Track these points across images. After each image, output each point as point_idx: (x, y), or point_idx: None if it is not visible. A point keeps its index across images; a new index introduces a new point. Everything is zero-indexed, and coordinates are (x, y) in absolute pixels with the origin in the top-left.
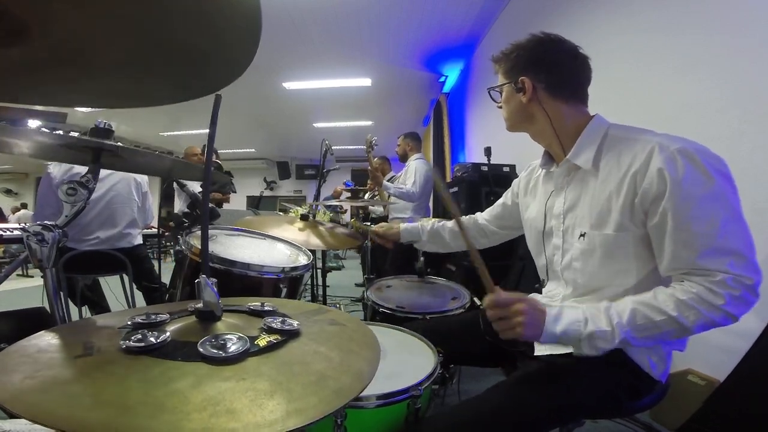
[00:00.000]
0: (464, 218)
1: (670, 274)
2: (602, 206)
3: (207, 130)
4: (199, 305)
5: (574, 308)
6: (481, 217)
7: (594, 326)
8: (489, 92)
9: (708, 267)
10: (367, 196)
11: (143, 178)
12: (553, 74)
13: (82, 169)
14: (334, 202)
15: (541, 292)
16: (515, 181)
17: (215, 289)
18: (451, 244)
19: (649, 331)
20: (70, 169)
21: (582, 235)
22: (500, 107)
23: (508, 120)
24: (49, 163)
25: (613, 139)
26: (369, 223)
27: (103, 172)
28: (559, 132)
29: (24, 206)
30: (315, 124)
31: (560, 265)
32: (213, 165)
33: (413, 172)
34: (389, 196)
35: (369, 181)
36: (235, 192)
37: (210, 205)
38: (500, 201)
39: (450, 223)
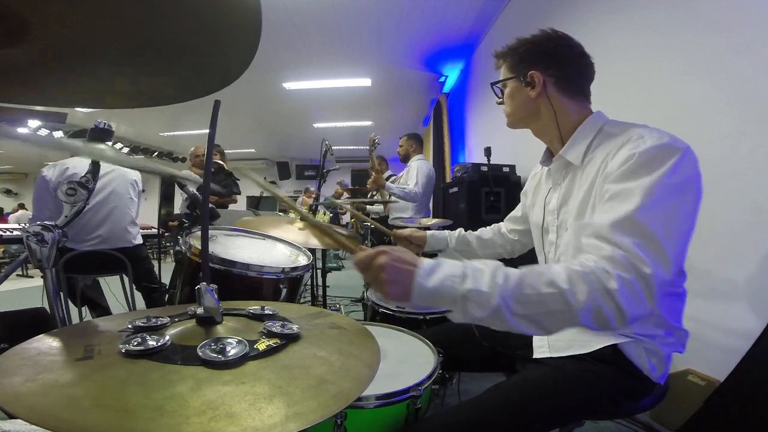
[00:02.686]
0: (489, 228)
1: (578, 236)
2: (583, 198)
3: (207, 131)
4: (200, 310)
5: (456, 261)
6: (503, 226)
7: (472, 284)
8: (492, 87)
9: (611, 237)
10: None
11: (138, 177)
12: (562, 69)
13: (77, 170)
14: (337, 202)
15: None
16: (525, 186)
17: (215, 295)
18: (479, 253)
19: (531, 306)
20: (65, 171)
21: (568, 229)
22: (501, 103)
23: (511, 116)
24: (44, 164)
25: (606, 134)
26: (369, 224)
27: (101, 171)
28: (561, 128)
29: (22, 206)
30: (315, 125)
31: (552, 261)
32: (215, 167)
33: (415, 173)
34: (390, 196)
35: (369, 182)
36: (239, 193)
37: (209, 205)
38: (517, 209)
39: (476, 232)
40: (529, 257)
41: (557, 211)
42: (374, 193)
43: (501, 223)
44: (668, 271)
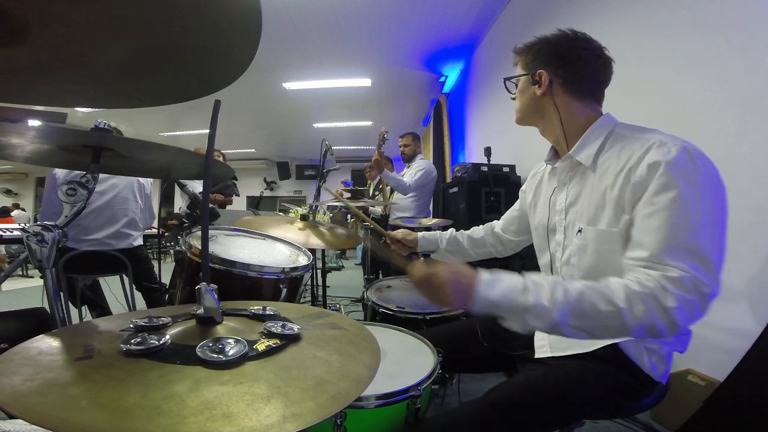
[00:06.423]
0: (481, 227)
1: (630, 262)
2: (598, 202)
3: (207, 131)
4: (200, 311)
5: (516, 275)
6: (497, 225)
7: (534, 298)
8: (504, 82)
9: (669, 263)
10: (371, 189)
11: (147, 180)
12: (572, 70)
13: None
14: (333, 202)
15: None
16: (524, 185)
17: (215, 295)
18: (470, 252)
19: (588, 321)
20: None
21: (579, 231)
22: (513, 99)
23: (518, 112)
24: None
25: (618, 137)
26: (369, 224)
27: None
28: (566, 128)
29: (17, 206)
30: (315, 125)
31: (560, 261)
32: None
33: (418, 169)
34: (391, 193)
35: (367, 170)
36: (238, 195)
37: (210, 205)
38: (513, 207)
39: (467, 231)
40: (518, 256)
41: (565, 212)
42: (376, 193)
43: (495, 222)
44: (718, 282)
